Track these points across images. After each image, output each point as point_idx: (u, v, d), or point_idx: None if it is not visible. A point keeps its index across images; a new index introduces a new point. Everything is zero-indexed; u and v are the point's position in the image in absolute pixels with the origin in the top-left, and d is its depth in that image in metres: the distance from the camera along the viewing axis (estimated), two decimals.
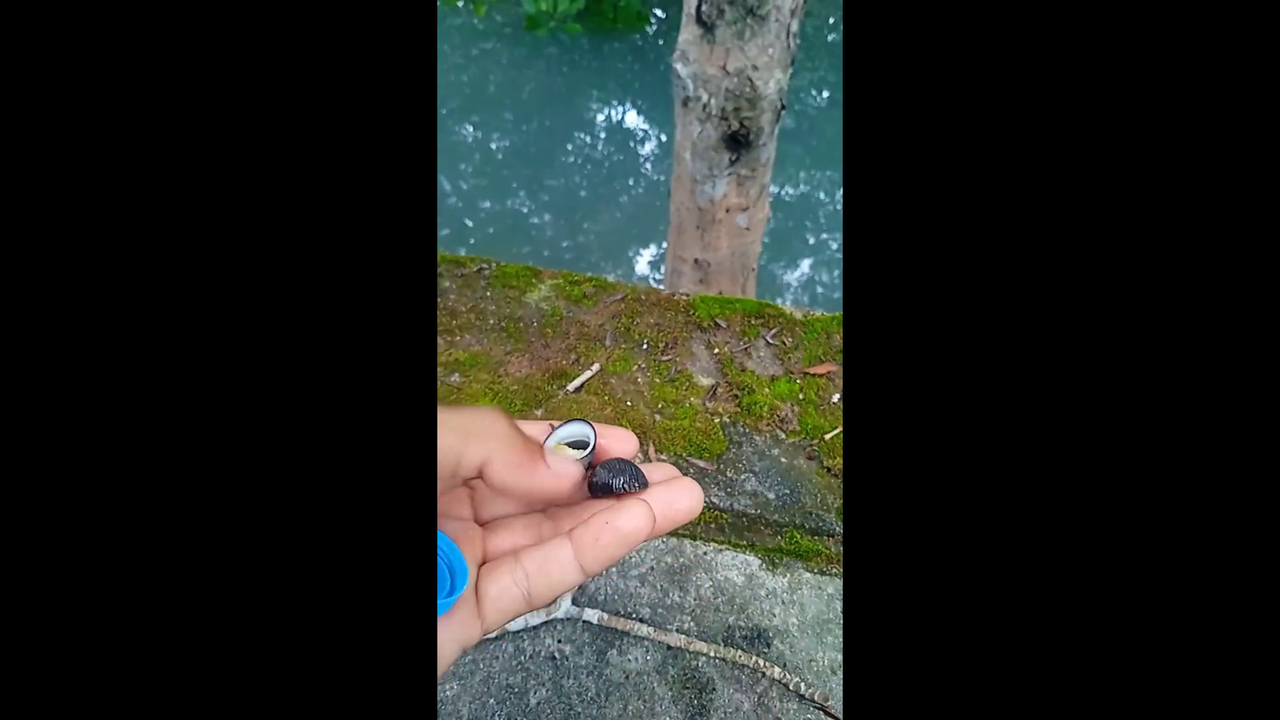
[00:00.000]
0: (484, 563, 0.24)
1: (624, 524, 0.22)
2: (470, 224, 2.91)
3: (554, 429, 0.24)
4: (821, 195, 3.12)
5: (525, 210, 2.98)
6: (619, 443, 0.25)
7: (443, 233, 2.85)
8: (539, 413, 0.77)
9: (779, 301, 2.71)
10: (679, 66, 1.38)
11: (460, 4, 2.77)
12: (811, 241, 2.94)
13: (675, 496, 0.23)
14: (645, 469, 0.24)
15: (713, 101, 1.40)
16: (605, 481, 0.23)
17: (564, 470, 0.22)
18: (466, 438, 0.20)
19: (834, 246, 2.93)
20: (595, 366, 0.83)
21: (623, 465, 0.24)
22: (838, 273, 2.83)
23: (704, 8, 1.32)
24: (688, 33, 1.35)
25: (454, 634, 0.22)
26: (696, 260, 1.68)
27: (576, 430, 0.25)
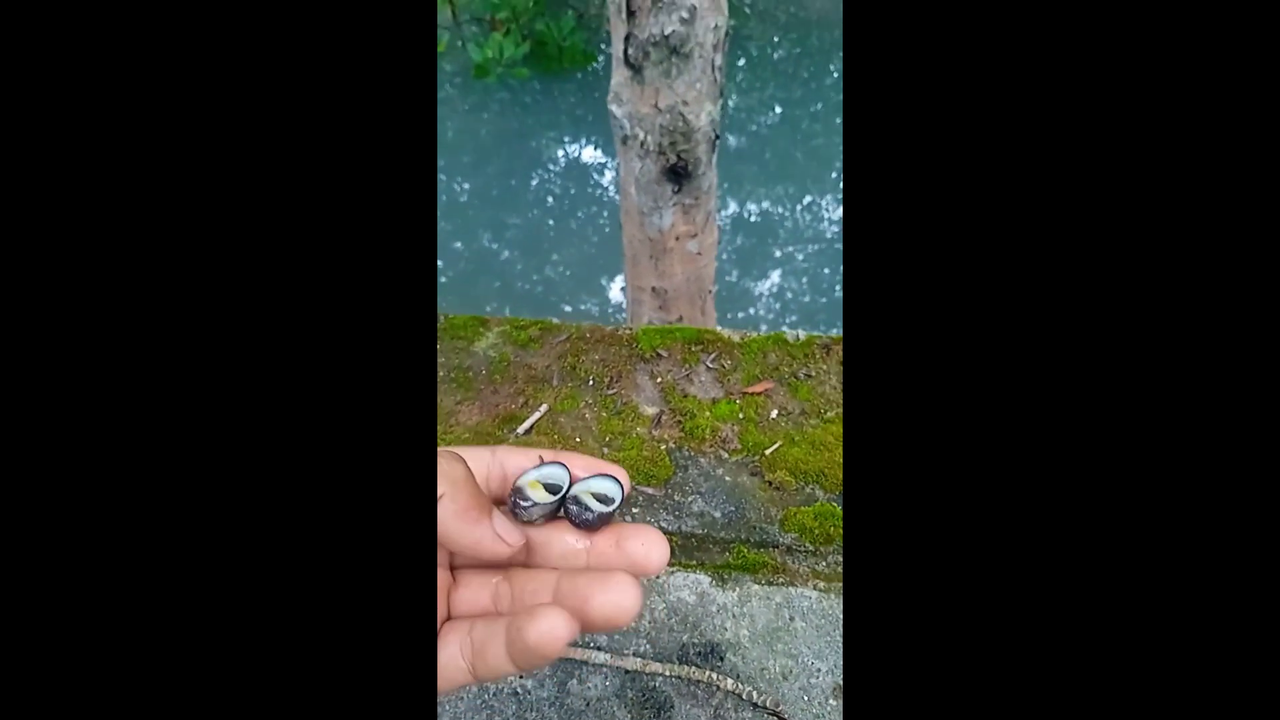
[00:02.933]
0: (447, 619, 0.24)
1: (530, 636, 0.21)
2: (440, 263, 2.96)
3: (542, 462, 0.25)
4: (780, 210, 3.20)
5: (494, 247, 3.03)
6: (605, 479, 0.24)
7: None
8: None
9: (752, 313, 2.76)
10: (614, 108, 1.45)
11: None
12: (778, 254, 3.01)
13: (632, 549, 0.23)
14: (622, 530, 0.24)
15: (649, 138, 1.47)
16: (573, 514, 0.23)
17: (507, 534, 0.22)
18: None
19: (799, 258, 3.00)
20: (544, 407, 0.86)
21: (592, 500, 0.24)
22: (806, 280, 2.90)
23: (630, 51, 1.39)
24: (619, 75, 1.42)
25: None
26: (654, 288, 1.73)
27: (552, 473, 0.24)
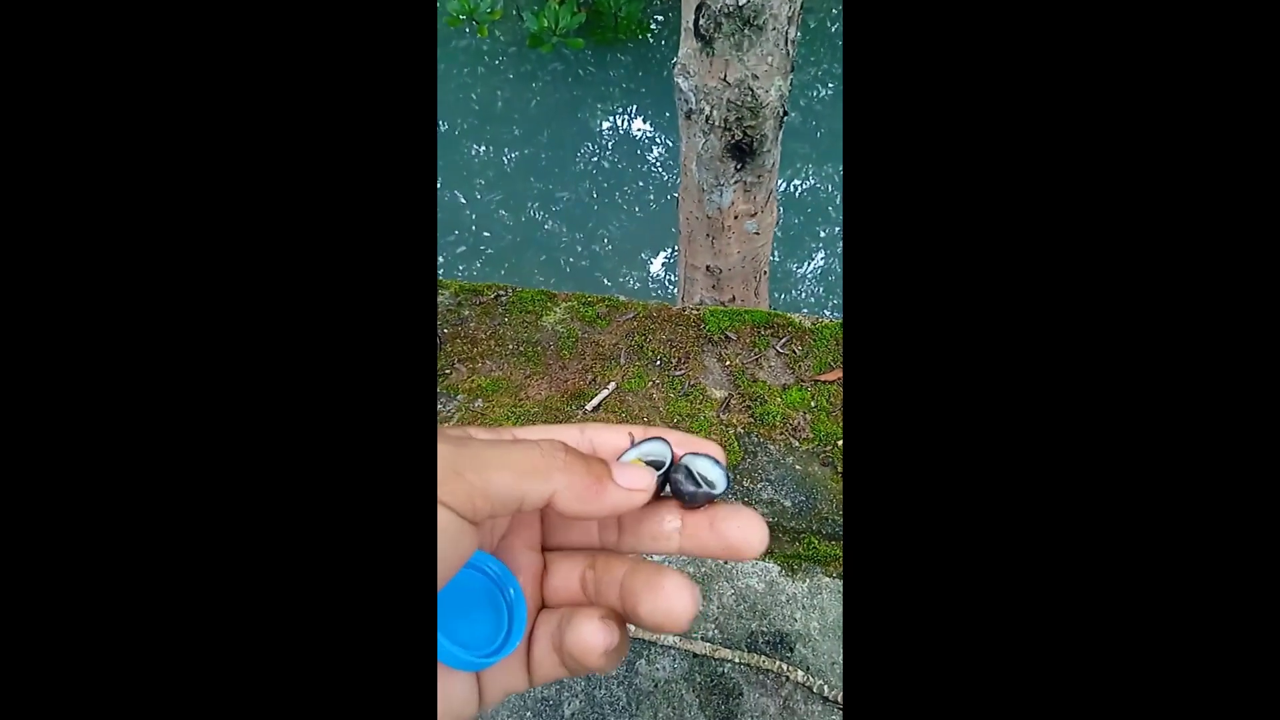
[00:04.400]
0: (541, 608, 0.23)
1: (569, 643, 0.21)
2: (488, 234, 2.97)
3: (633, 442, 0.23)
4: (830, 189, 3.12)
5: (540, 218, 3.02)
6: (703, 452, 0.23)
7: (459, 249, 2.91)
8: None
9: (795, 295, 2.71)
10: (680, 81, 1.41)
11: (465, 27, 2.83)
12: (823, 235, 2.94)
13: (726, 528, 0.21)
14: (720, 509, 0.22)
15: (715, 113, 1.42)
16: (678, 488, 0.22)
17: (635, 483, 0.21)
18: (524, 476, 0.19)
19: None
20: (611, 385, 0.86)
21: (696, 473, 0.22)
22: None
23: (702, 22, 1.34)
24: (687, 46, 1.38)
25: (502, 680, 0.22)
26: (708, 267, 1.70)
27: (653, 449, 0.23)
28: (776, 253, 2.77)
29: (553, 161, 3.23)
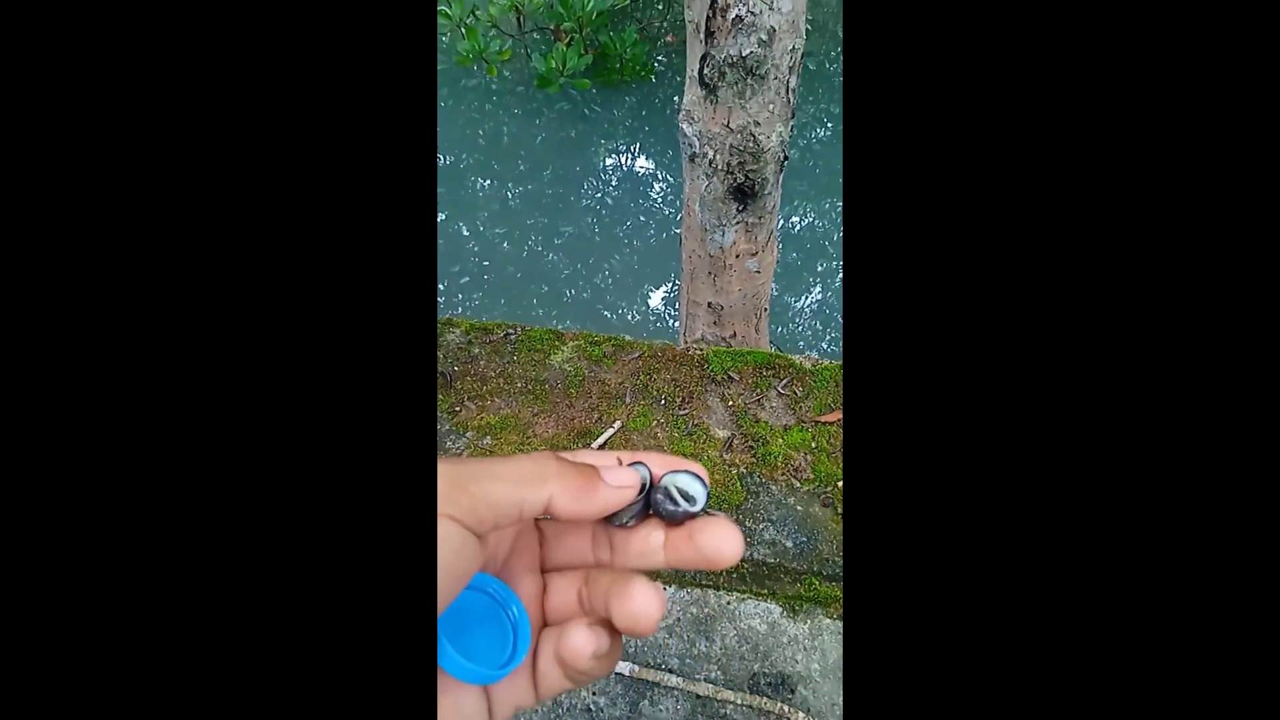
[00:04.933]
0: (544, 626, 0.24)
1: (561, 651, 0.22)
2: (489, 265, 3.01)
3: (620, 465, 0.24)
4: (827, 225, 3.18)
5: (542, 251, 3.07)
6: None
7: (462, 279, 2.95)
8: None
9: (793, 329, 2.74)
10: (685, 126, 1.46)
11: (474, 66, 2.93)
12: (820, 269, 2.99)
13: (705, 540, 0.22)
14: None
15: (718, 157, 1.48)
16: (659, 507, 0.23)
17: (624, 480, 0.22)
18: (521, 484, 0.21)
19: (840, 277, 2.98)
20: (617, 424, 0.88)
21: (678, 494, 0.23)
22: None
23: (706, 71, 1.41)
24: (691, 94, 1.44)
25: (510, 696, 0.23)
26: (710, 304, 1.74)
27: (636, 472, 0.24)
28: (775, 287, 2.82)
29: (557, 197, 3.29)
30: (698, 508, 0.23)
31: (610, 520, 0.24)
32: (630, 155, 3.49)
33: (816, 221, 3.19)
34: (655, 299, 2.87)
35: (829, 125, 3.75)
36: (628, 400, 0.91)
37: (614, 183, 3.41)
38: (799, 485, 0.84)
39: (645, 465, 0.24)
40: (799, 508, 0.81)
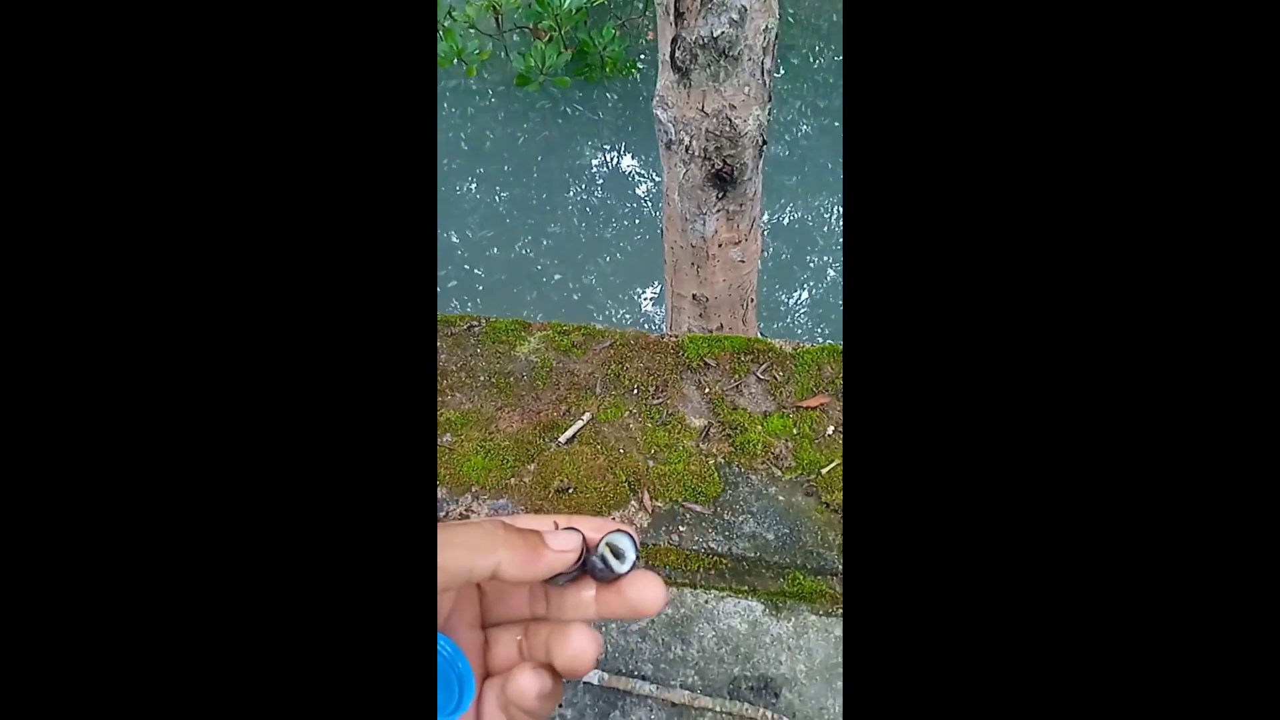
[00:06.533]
0: (487, 676, 0.26)
1: (509, 692, 0.24)
2: (480, 272, 2.99)
3: (556, 529, 0.27)
4: (817, 220, 3.17)
5: (530, 254, 3.06)
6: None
7: (450, 284, 2.92)
8: (531, 467, 0.77)
9: (785, 325, 2.71)
10: (659, 112, 1.42)
11: (454, 64, 2.90)
12: (812, 265, 2.98)
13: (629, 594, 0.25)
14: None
15: (694, 143, 1.43)
16: (592, 570, 0.26)
17: (565, 545, 0.25)
18: (473, 551, 0.23)
19: (834, 271, 2.97)
20: (586, 416, 0.83)
21: (611, 557, 0.26)
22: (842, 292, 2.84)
23: (678, 54, 1.36)
24: (665, 78, 1.39)
25: None
26: (695, 296, 1.69)
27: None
28: (765, 284, 2.79)
29: (542, 199, 3.27)
30: (627, 568, 0.25)
31: (548, 580, 0.26)
32: (616, 153, 3.46)
33: (807, 216, 3.17)
34: (646, 297, 2.85)
35: (815, 120, 3.73)
36: (598, 391, 0.86)
37: (600, 182, 3.38)
38: (780, 474, 0.79)
39: (579, 530, 0.26)
40: (780, 498, 0.76)
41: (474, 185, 3.36)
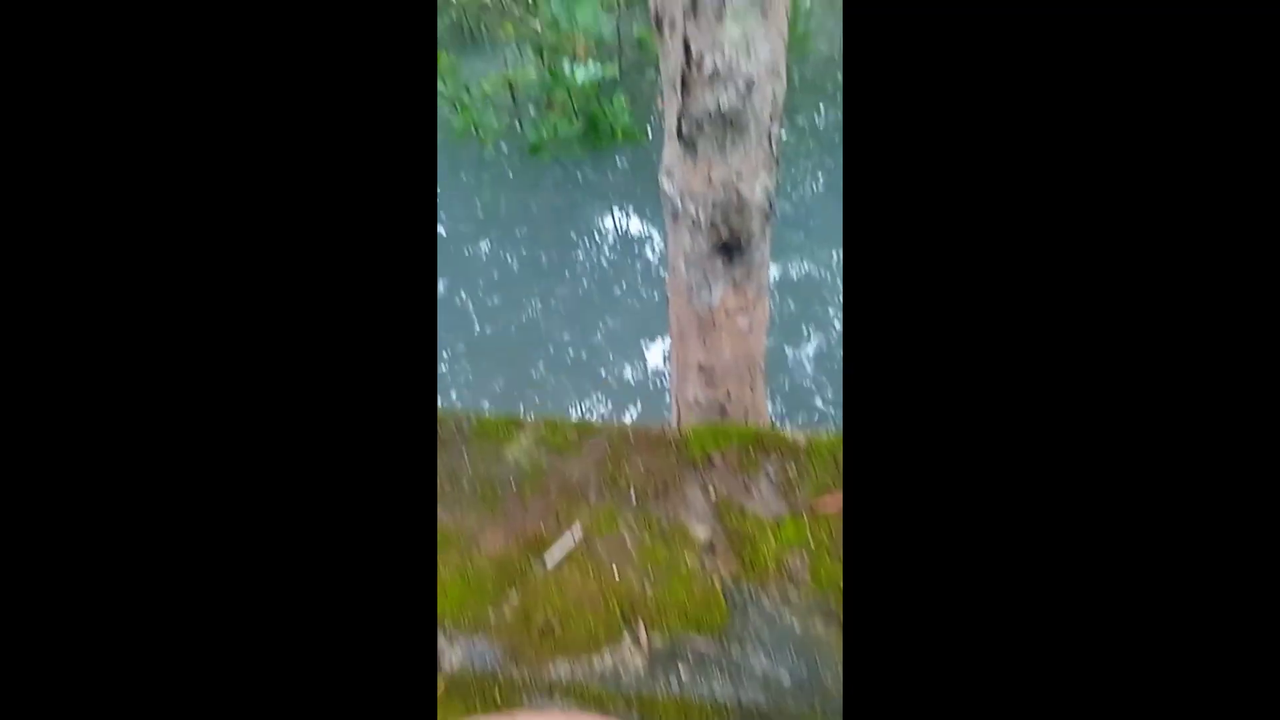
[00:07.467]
0: None
1: None
2: (490, 332, 3.01)
3: None
4: (822, 273, 3.20)
5: (539, 315, 3.09)
6: None
7: (458, 346, 2.93)
8: (514, 595, 0.69)
9: (791, 380, 2.65)
10: (665, 183, 1.40)
11: (469, 138, 2.97)
12: (818, 318, 2.98)
13: None
14: None
15: (701, 214, 1.40)
16: None
17: None
18: None
19: (839, 323, 2.97)
20: (578, 527, 0.75)
21: None
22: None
23: (684, 126, 1.35)
24: (670, 150, 1.37)
25: None
26: (700, 365, 1.63)
27: None
28: (771, 336, 2.77)
29: (552, 261, 3.30)
30: None
31: None
32: (624, 217, 3.50)
33: (813, 270, 3.17)
34: (653, 356, 2.83)
35: (821, 178, 3.76)
36: (591, 497, 0.79)
37: (610, 244, 3.41)
38: (795, 594, 0.70)
39: None
40: (797, 627, 0.67)
41: (486, 248, 3.40)
